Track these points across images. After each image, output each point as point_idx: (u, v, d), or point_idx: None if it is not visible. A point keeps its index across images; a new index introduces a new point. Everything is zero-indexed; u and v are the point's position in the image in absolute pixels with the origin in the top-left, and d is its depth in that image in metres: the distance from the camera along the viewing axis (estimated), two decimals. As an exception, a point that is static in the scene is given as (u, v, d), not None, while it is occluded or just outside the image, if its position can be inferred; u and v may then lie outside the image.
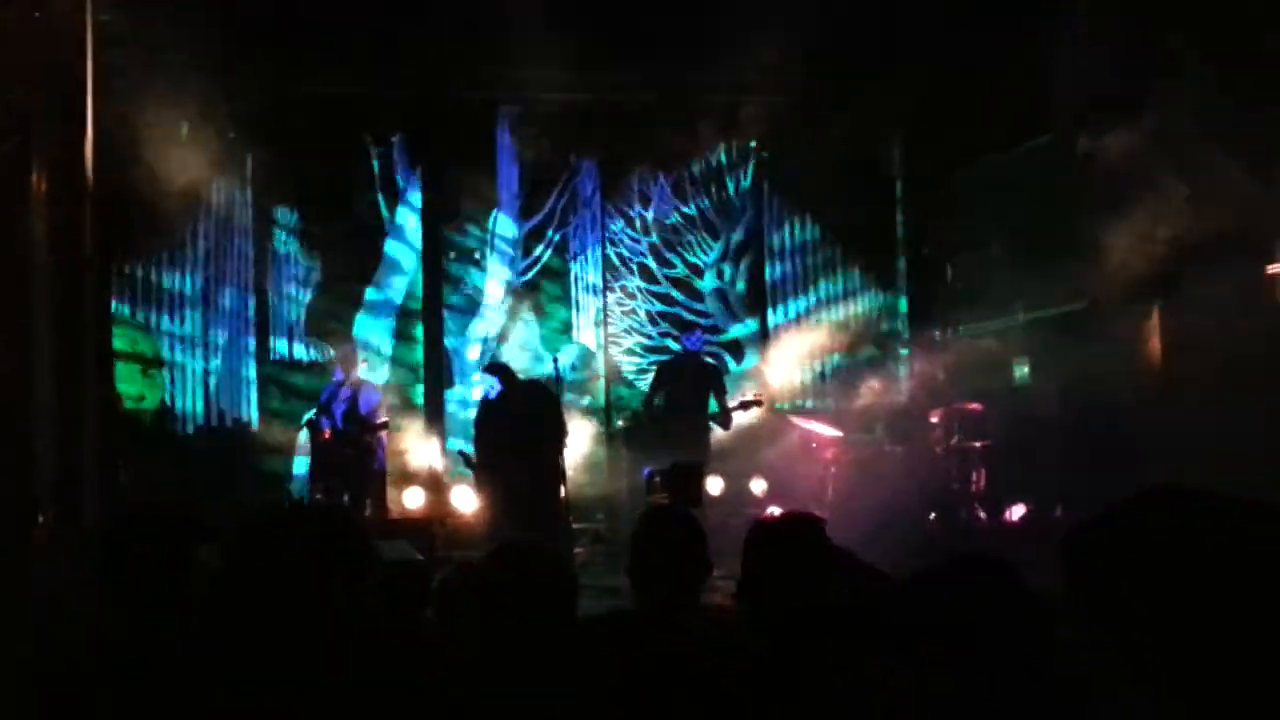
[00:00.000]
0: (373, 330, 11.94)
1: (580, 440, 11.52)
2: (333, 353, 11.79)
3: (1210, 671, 1.53)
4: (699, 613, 3.31)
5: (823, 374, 12.81)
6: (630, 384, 12.43)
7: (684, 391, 10.32)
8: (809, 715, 2.61)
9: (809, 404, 12.51)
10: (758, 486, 11.13)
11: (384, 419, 10.30)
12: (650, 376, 11.80)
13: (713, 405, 10.33)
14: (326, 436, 9.92)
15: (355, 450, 9.86)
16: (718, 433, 10.51)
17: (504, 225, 12.35)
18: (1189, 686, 1.54)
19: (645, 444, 10.31)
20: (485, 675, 2.47)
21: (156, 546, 2.68)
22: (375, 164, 12.02)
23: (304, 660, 2.01)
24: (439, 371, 11.88)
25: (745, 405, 10.39)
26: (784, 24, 9.84)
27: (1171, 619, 1.55)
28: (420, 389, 11.82)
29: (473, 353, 12.25)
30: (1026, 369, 10.65)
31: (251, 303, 11.71)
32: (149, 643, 2.51)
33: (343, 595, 2.07)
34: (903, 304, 12.94)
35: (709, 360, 11.46)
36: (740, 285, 12.92)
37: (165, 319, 11.32)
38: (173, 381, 11.34)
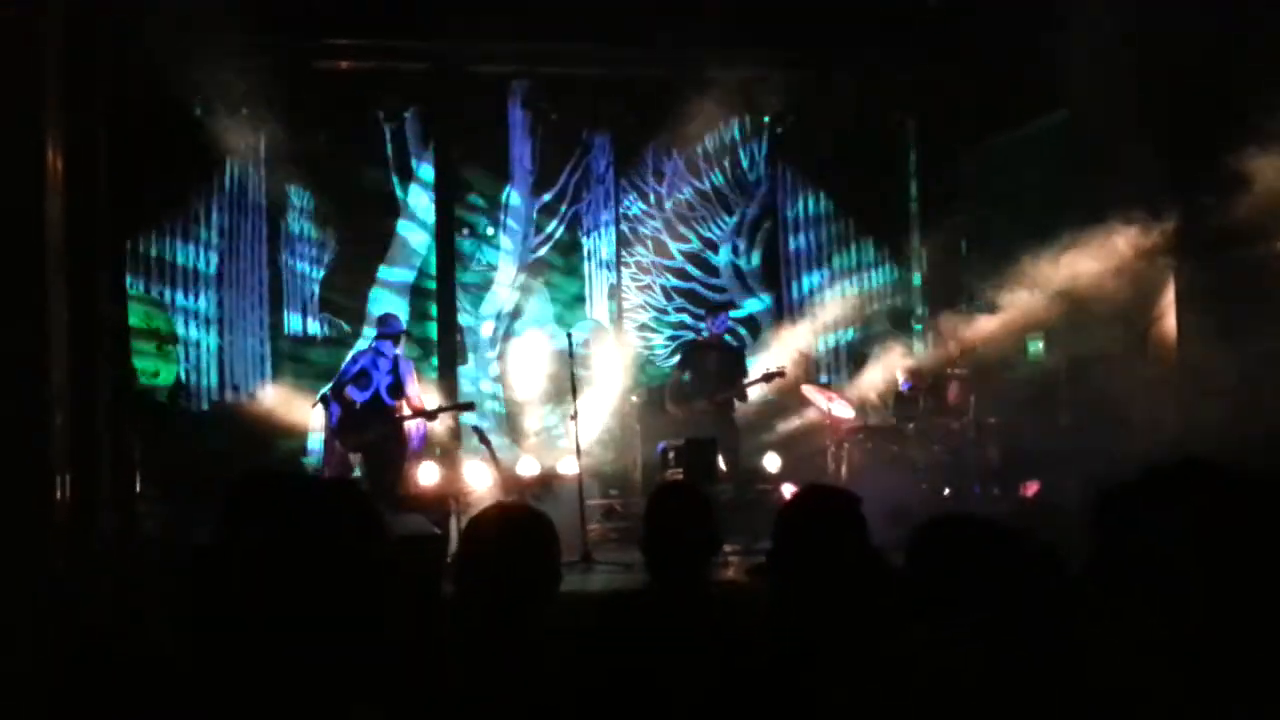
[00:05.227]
0: (386, 307, 11.95)
1: (595, 416, 11.55)
2: (346, 327, 11.82)
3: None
4: (711, 587, 3.32)
5: (837, 349, 12.80)
6: (650, 360, 12.43)
7: (710, 373, 10.28)
8: (826, 688, 2.62)
9: (823, 379, 12.49)
10: (771, 462, 11.13)
11: (468, 401, 10.45)
12: (667, 355, 11.92)
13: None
14: (357, 407, 9.44)
15: (388, 425, 9.48)
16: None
17: (516, 201, 12.33)
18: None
19: (671, 425, 10.29)
20: (497, 649, 2.48)
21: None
22: (388, 140, 12.03)
23: (311, 635, 1.96)
24: (452, 348, 11.88)
25: (768, 377, 10.27)
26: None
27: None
28: (434, 365, 11.82)
29: (486, 329, 12.27)
30: (1041, 345, 10.61)
31: (265, 278, 11.75)
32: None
33: (349, 567, 2.03)
34: (916, 279, 12.91)
35: (732, 341, 11.45)
36: (755, 260, 12.90)
37: (180, 295, 11.42)
38: (187, 358, 11.41)
